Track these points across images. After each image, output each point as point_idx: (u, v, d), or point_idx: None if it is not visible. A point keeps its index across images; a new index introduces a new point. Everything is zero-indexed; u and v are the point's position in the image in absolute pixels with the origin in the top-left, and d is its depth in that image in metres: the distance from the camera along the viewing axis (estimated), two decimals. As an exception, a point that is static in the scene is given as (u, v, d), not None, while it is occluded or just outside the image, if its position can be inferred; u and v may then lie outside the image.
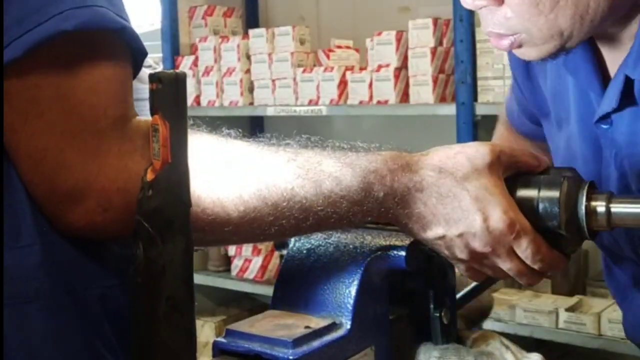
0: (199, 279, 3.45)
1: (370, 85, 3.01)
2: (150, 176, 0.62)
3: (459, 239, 0.83)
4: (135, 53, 0.78)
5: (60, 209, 0.73)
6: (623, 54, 1.03)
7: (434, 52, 2.90)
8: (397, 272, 0.89)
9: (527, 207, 0.84)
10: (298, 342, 0.78)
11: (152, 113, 0.62)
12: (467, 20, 2.74)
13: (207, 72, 3.45)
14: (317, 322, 0.82)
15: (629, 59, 1.01)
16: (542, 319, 2.64)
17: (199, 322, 3.51)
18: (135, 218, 0.62)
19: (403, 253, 0.86)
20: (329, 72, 3.13)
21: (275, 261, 3.38)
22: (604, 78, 1.08)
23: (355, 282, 0.85)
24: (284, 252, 0.93)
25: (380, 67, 3.01)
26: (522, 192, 0.85)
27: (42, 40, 0.69)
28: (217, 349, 0.81)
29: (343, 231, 0.90)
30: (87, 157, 0.73)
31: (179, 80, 0.61)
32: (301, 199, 0.79)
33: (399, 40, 2.98)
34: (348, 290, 0.84)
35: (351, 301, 0.84)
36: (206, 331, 3.51)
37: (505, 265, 0.84)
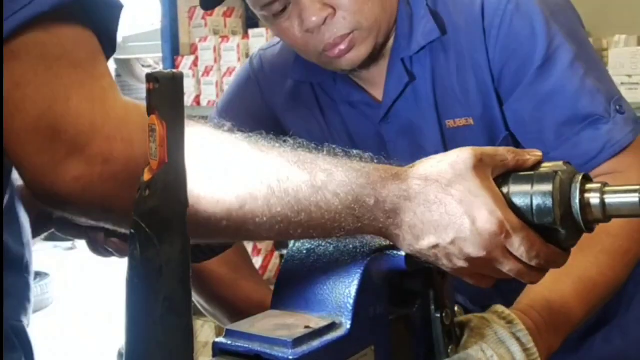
0: (199, 279, 3.45)
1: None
2: (147, 176, 0.62)
3: (452, 246, 0.82)
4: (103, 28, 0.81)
5: (60, 158, 0.73)
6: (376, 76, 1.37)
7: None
8: (397, 272, 0.89)
9: (521, 205, 0.83)
10: (298, 342, 0.78)
11: (149, 113, 0.62)
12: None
13: (207, 72, 3.45)
14: (317, 322, 0.82)
15: (400, 43, 1.33)
16: (543, 318, 2.63)
17: (199, 322, 3.51)
18: (132, 218, 0.62)
19: (403, 253, 0.86)
20: (329, 72, 3.13)
21: (275, 261, 3.38)
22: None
23: (355, 282, 0.84)
24: (284, 252, 0.93)
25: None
26: (515, 189, 0.84)
27: (24, 21, 0.73)
28: (217, 349, 0.81)
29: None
30: (94, 105, 0.75)
31: (176, 80, 0.61)
32: (294, 190, 0.80)
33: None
34: (348, 290, 0.84)
35: (351, 301, 0.84)
36: (206, 331, 3.51)
37: (504, 267, 0.84)
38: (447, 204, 0.82)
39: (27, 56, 0.74)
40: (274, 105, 1.48)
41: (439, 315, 0.92)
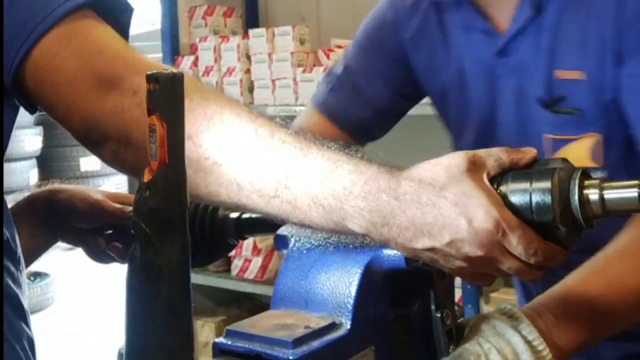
0: (199, 279, 3.45)
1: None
2: (147, 177, 0.62)
3: (449, 247, 0.82)
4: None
5: (98, 98, 0.89)
6: None
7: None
8: (397, 272, 0.89)
9: (519, 203, 0.83)
10: (298, 342, 0.78)
11: (149, 113, 0.62)
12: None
13: (207, 72, 3.45)
14: (317, 322, 0.82)
15: None
16: (543, 318, 2.64)
17: (199, 322, 3.51)
18: (132, 219, 0.62)
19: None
20: (329, 72, 3.13)
21: (275, 261, 3.38)
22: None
23: (355, 282, 0.84)
24: (284, 252, 0.93)
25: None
26: (513, 187, 0.84)
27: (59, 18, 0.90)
28: (217, 349, 0.81)
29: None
30: (126, 49, 0.97)
31: (176, 80, 0.61)
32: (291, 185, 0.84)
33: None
34: (348, 290, 0.84)
35: (351, 301, 0.84)
36: (206, 331, 3.51)
37: (503, 265, 0.84)
38: (441, 207, 0.81)
39: (63, 32, 0.90)
40: (404, 42, 1.46)
41: (439, 315, 0.91)
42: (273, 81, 3.29)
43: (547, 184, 0.82)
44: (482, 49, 1.33)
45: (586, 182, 0.84)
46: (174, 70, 0.61)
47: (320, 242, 0.90)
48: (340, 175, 0.83)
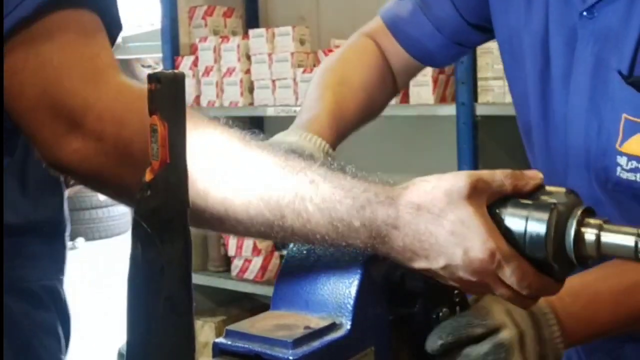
0: (199, 279, 3.45)
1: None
2: (148, 176, 0.62)
3: (444, 270, 0.82)
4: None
5: (61, 133, 0.81)
6: None
7: (434, 52, 2.90)
8: (397, 272, 0.89)
9: (515, 234, 0.82)
10: (298, 342, 0.78)
11: (151, 113, 0.62)
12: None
13: (207, 72, 3.45)
14: (317, 322, 0.82)
15: None
16: (543, 319, 2.63)
17: (199, 322, 3.51)
18: (134, 218, 0.62)
19: (403, 253, 0.86)
20: (329, 72, 3.12)
21: (275, 261, 3.38)
22: None
23: (355, 282, 0.85)
24: (284, 252, 0.93)
25: (380, 67, 3.00)
26: (510, 219, 0.83)
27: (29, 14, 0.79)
28: (217, 349, 0.81)
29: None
30: (86, 85, 0.82)
31: (178, 81, 0.61)
32: (277, 196, 0.83)
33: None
34: (348, 290, 0.84)
35: (351, 301, 0.84)
36: (206, 331, 3.51)
37: (496, 291, 0.84)
38: (437, 235, 0.81)
39: (20, 46, 0.80)
40: None
41: (435, 315, 0.91)
42: (273, 81, 3.29)
43: (542, 224, 0.81)
44: (569, 6, 1.21)
45: (586, 221, 0.82)
46: (176, 71, 0.61)
47: (321, 242, 0.90)
48: (336, 206, 0.82)
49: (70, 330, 1.14)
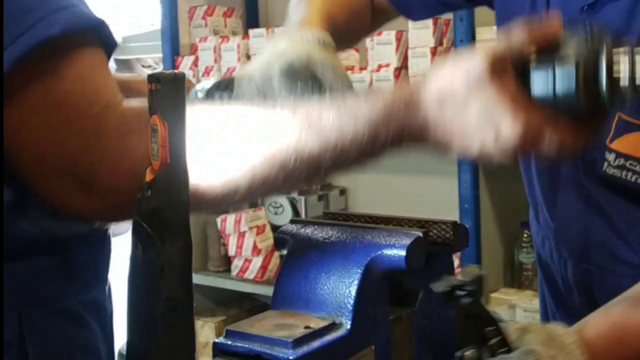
0: (199, 279, 3.45)
1: (371, 85, 3.01)
2: (149, 177, 0.62)
3: (483, 150, 0.81)
4: (106, 43, 0.82)
5: (72, 198, 0.76)
6: None
7: (434, 52, 2.90)
8: (397, 272, 0.89)
9: (544, 96, 0.80)
10: (298, 342, 0.78)
11: (151, 113, 0.62)
12: (467, 20, 2.74)
13: (207, 72, 3.45)
14: (317, 322, 0.82)
15: None
16: (543, 318, 2.64)
17: (199, 322, 3.51)
18: (134, 218, 0.62)
19: (403, 253, 0.86)
20: (329, 72, 3.12)
21: (275, 261, 3.38)
22: None
23: (355, 282, 0.85)
24: (284, 252, 0.93)
25: (380, 67, 3.01)
26: (537, 80, 0.80)
27: (29, 49, 0.72)
28: (217, 349, 0.81)
29: (343, 231, 0.90)
30: (87, 143, 0.76)
31: (178, 81, 0.61)
32: (308, 156, 0.80)
33: (399, 40, 2.98)
34: (348, 290, 0.84)
35: (351, 301, 0.84)
36: (206, 331, 3.51)
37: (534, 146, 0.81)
38: (466, 123, 0.80)
39: (12, 100, 0.74)
40: None
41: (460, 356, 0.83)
42: (273, 81, 3.28)
43: (570, 74, 0.78)
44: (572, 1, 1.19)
45: (615, 52, 0.77)
46: (176, 71, 0.62)
47: (320, 242, 0.90)
48: (363, 119, 0.81)
49: (113, 346, 1.06)
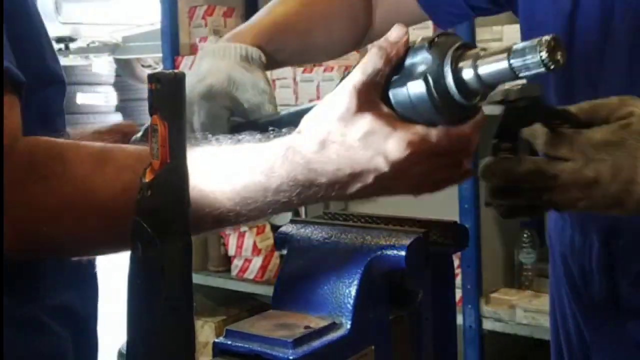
0: (199, 279, 3.45)
1: (370, 85, 3.01)
2: (149, 176, 0.62)
3: (380, 181, 0.82)
4: (14, 81, 0.82)
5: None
6: None
7: (434, 52, 2.90)
8: (397, 272, 0.89)
9: (410, 113, 0.81)
10: (298, 342, 0.78)
11: (151, 113, 0.62)
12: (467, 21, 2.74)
13: (207, 72, 3.45)
14: (317, 322, 0.82)
15: None
16: (542, 319, 2.64)
17: (199, 322, 3.51)
18: (134, 218, 0.62)
19: (403, 253, 0.86)
20: (329, 72, 3.13)
21: (275, 261, 3.38)
22: None
23: (355, 282, 0.85)
24: (284, 252, 0.93)
25: (380, 67, 3.01)
26: (397, 103, 0.82)
27: None
28: (217, 349, 0.81)
29: (343, 231, 0.90)
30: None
31: (178, 80, 0.61)
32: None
33: (399, 40, 2.97)
34: (348, 290, 0.84)
35: (351, 301, 0.84)
36: (206, 331, 3.51)
37: (437, 167, 0.84)
38: (352, 157, 0.81)
39: None
40: None
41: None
42: (273, 81, 3.28)
43: (419, 85, 0.80)
44: None
45: (461, 57, 0.80)
46: (176, 71, 0.62)
47: (320, 242, 0.90)
48: (250, 176, 0.83)
49: (92, 350, 1.05)
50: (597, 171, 0.89)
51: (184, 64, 3.51)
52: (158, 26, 3.74)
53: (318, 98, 3.14)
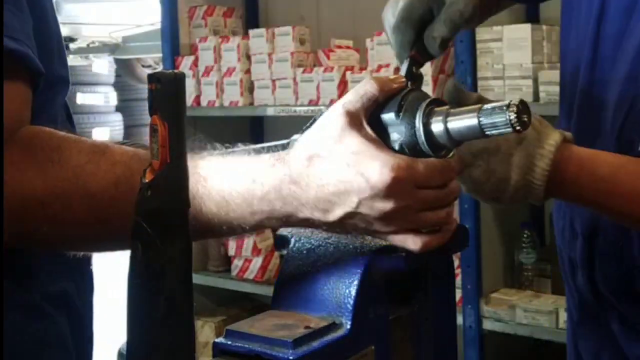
0: (199, 279, 3.45)
1: (370, 85, 3.01)
2: (149, 176, 0.62)
3: (362, 208, 0.82)
4: (30, 70, 0.85)
5: None
6: None
7: (434, 52, 2.90)
8: (397, 272, 0.89)
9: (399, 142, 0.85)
10: (298, 342, 0.78)
11: (151, 113, 0.62)
12: (467, 20, 2.74)
13: (207, 72, 3.45)
14: (317, 322, 0.82)
15: None
16: (542, 319, 2.64)
17: (199, 322, 3.51)
18: (134, 218, 0.62)
19: (403, 253, 0.86)
20: (329, 72, 3.13)
21: (275, 261, 3.38)
22: None
23: (355, 282, 0.85)
24: (284, 252, 0.93)
25: (380, 67, 3.01)
26: (390, 129, 0.85)
27: None
28: (217, 349, 0.81)
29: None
30: None
31: (178, 81, 0.61)
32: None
33: (399, 40, 2.97)
34: (348, 290, 0.84)
35: (351, 301, 0.84)
36: (206, 331, 3.51)
37: (418, 204, 0.84)
38: (336, 175, 0.82)
39: None
40: None
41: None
42: (273, 81, 3.29)
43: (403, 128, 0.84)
44: None
45: (433, 112, 0.84)
46: (176, 71, 0.62)
47: (320, 242, 0.90)
48: (237, 181, 0.84)
49: (86, 338, 1.06)
50: (472, 176, 0.97)
51: (184, 64, 3.51)
52: (158, 26, 3.74)
53: (318, 98, 3.14)
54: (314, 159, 0.83)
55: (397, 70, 2.95)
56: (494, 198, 1.02)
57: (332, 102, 3.10)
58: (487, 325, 2.74)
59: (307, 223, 0.85)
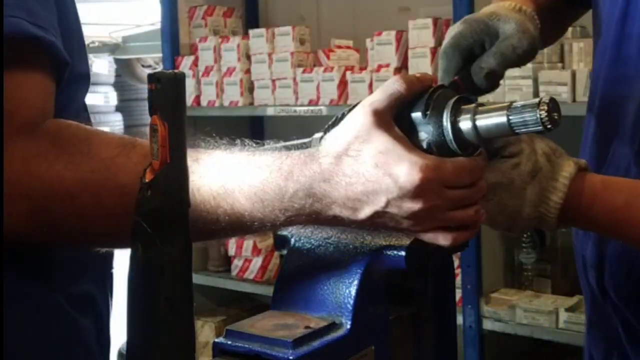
0: (199, 279, 3.45)
1: (371, 85, 3.01)
2: (149, 176, 0.62)
3: (390, 207, 0.82)
4: (56, 61, 0.84)
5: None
6: None
7: (434, 52, 2.90)
8: (397, 272, 0.89)
9: (428, 142, 0.84)
10: (298, 342, 0.78)
11: (151, 113, 0.62)
12: (467, 20, 2.74)
13: (207, 72, 3.45)
14: (317, 322, 0.82)
15: None
16: (542, 319, 2.64)
17: (199, 322, 3.51)
18: (134, 218, 0.62)
19: (403, 253, 0.86)
20: (329, 72, 3.13)
21: (275, 261, 3.38)
22: None
23: (355, 282, 0.85)
24: (284, 252, 0.93)
25: (380, 67, 3.01)
26: (420, 128, 0.85)
27: None
28: (217, 349, 0.81)
29: (343, 231, 0.90)
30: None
31: (178, 81, 0.61)
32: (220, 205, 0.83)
33: (399, 40, 2.98)
34: (348, 290, 0.84)
35: (351, 301, 0.84)
36: (206, 331, 3.51)
37: (447, 203, 0.84)
38: (365, 174, 0.82)
39: None
40: None
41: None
42: (273, 81, 3.29)
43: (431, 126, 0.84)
44: None
45: (460, 109, 0.84)
46: (176, 71, 0.62)
47: (320, 243, 0.90)
48: (269, 177, 0.83)
49: (107, 339, 1.05)
50: (485, 209, 0.95)
51: (184, 64, 3.51)
52: (158, 26, 3.74)
53: (318, 98, 3.14)
54: (342, 157, 0.82)
55: (397, 70, 2.96)
56: (507, 229, 1.02)
57: (332, 102, 3.11)
58: (487, 325, 2.74)
59: (336, 221, 0.85)
